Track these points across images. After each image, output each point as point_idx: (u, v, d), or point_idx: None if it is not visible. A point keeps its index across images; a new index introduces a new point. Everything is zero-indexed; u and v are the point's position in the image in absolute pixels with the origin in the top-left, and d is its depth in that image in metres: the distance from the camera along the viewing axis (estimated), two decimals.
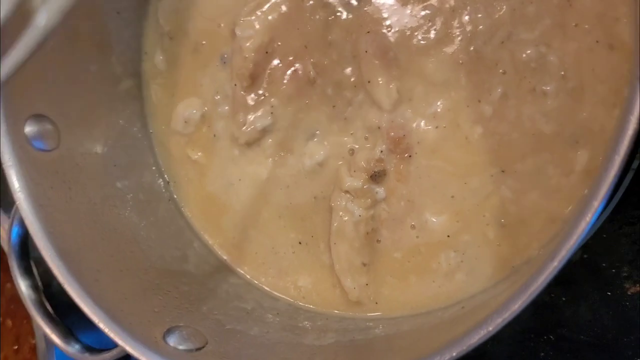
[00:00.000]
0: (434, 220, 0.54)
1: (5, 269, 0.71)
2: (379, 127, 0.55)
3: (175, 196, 0.66)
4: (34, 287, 0.56)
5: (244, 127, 0.60)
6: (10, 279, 0.70)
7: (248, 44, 0.58)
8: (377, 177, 0.55)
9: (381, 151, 0.55)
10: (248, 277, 0.63)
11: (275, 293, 0.61)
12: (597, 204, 0.34)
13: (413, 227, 0.55)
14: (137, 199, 0.63)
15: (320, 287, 0.60)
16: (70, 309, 0.57)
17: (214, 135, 0.63)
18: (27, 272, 0.56)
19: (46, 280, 0.61)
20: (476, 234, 0.53)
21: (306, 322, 0.58)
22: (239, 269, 0.63)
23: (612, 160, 0.34)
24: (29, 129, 0.54)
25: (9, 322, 0.78)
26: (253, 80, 0.59)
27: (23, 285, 0.56)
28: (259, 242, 0.62)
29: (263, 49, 0.58)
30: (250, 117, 0.59)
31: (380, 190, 0.56)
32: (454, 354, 0.37)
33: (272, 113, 0.59)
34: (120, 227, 0.59)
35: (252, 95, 0.59)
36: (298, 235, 0.60)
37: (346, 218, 0.56)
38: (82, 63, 0.61)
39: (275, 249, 0.61)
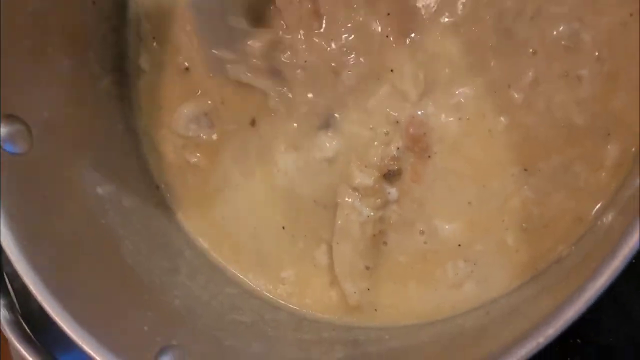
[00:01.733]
0: (446, 227, 0.50)
1: None
2: (397, 122, 0.51)
3: (166, 200, 0.61)
4: (10, 306, 0.51)
5: None
6: None
7: None
8: (390, 176, 0.51)
9: (397, 148, 0.51)
10: (242, 278, 0.58)
11: (271, 297, 0.57)
12: None
13: (422, 232, 0.51)
14: (120, 206, 0.57)
15: (316, 288, 0.55)
16: (50, 330, 0.51)
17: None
18: (2, 289, 0.50)
19: (23, 298, 0.56)
20: (492, 242, 0.49)
21: (311, 334, 0.53)
22: (233, 271, 0.58)
23: None
24: None
25: None
26: None
27: None
28: (255, 242, 0.57)
29: None
30: None
31: (393, 191, 0.51)
32: None
33: None
34: (102, 238, 0.54)
35: None
36: (296, 233, 0.55)
37: (353, 217, 0.51)
38: (54, 58, 0.55)
39: (269, 247, 0.57)
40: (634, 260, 0.36)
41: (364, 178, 0.51)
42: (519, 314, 0.41)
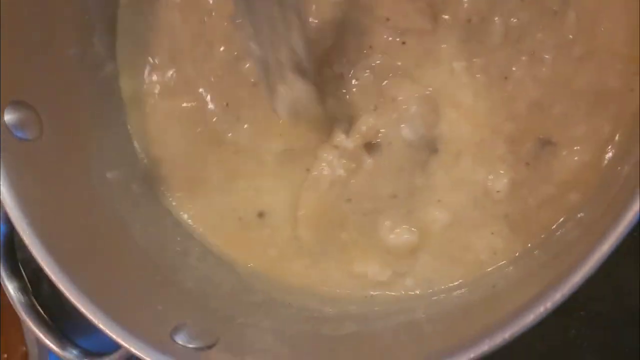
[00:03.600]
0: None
1: None
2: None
3: (172, 184, 0.61)
4: (23, 289, 0.52)
5: None
6: None
7: None
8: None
9: None
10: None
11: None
12: None
13: None
14: (129, 191, 0.58)
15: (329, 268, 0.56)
16: (63, 313, 0.52)
17: None
18: (15, 273, 0.52)
19: (35, 283, 0.57)
20: None
21: (320, 310, 0.54)
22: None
23: None
24: (8, 117, 0.49)
25: None
26: None
27: (11, 288, 0.51)
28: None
29: None
30: None
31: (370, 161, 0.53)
32: (507, 336, 0.33)
33: None
34: (114, 222, 0.55)
35: None
36: None
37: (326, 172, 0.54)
38: (62, 46, 0.56)
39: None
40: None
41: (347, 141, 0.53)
42: (522, 286, 0.42)
